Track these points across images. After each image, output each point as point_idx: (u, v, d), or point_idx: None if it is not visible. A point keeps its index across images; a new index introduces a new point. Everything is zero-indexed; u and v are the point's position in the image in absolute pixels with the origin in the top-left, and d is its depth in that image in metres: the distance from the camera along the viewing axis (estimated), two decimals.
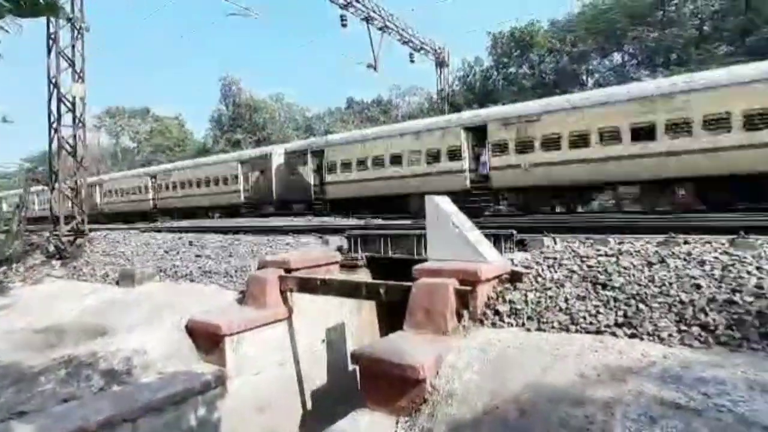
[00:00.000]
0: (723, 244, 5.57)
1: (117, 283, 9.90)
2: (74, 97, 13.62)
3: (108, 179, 33.63)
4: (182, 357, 6.63)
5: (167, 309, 7.54)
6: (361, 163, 18.41)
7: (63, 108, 13.61)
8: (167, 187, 28.03)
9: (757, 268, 4.72)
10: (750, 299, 4.26)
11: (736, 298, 4.33)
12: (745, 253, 5.12)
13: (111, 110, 58.05)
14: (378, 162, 17.92)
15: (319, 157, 19.92)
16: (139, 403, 5.31)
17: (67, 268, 12.18)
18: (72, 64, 13.57)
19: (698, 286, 4.63)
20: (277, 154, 21.76)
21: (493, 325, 5.18)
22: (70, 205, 14.00)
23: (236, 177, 23.21)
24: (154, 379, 6.03)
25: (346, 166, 18.89)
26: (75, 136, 13.86)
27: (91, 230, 14.84)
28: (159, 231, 15.42)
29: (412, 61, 27.83)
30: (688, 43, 28.71)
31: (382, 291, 6.27)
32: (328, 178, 19.45)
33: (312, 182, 20.15)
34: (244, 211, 22.72)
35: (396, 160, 17.43)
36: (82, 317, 7.97)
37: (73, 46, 13.63)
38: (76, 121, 13.77)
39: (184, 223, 19.30)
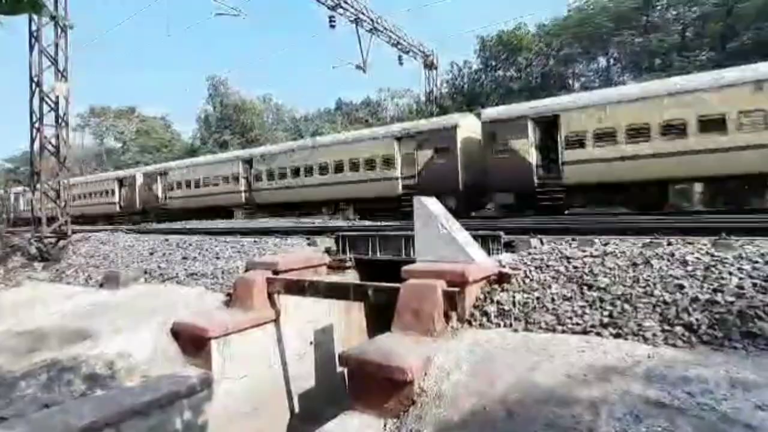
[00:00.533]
0: (705, 245, 5.68)
1: (101, 285, 9.73)
2: (57, 96, 13.38)
3: (176, 166, 27.39)
4: (168, 360, 6.53)
5: (152, 312, 7.42)
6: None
7: (45, 107, 13.36)
8: (271, 176, 21.53)
9: (738, 269, 4.82)
10: (731, 299, 4.34)
11: (718, 298, 4.41)
12: (727, 253, 5.22)
13: (95, 109, 57.15)
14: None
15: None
16: (122, 408, 5.20)
17: (50, 271, 11.94)
18: (55, 63, 13.33)
19: (681, 287, 4.71)
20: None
21: (481, 326, 5.20)
22: (54, 205, 13.73)
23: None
24: (139, 383, 5.93)
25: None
26: (58, 136, 13.61)
27: (74, 232, 14.58)
28: (144, 233, 15.20)
29: (401, 63, 27.92)
30: (671, 48, 29.24)
31: (370, 292, 6.26)
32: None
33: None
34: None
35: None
36: (64, 321, 7.80)
37: (56, 44, 13.40)
38: (59, 120, 13.53)
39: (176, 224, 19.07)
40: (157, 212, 25.72)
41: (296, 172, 20.39)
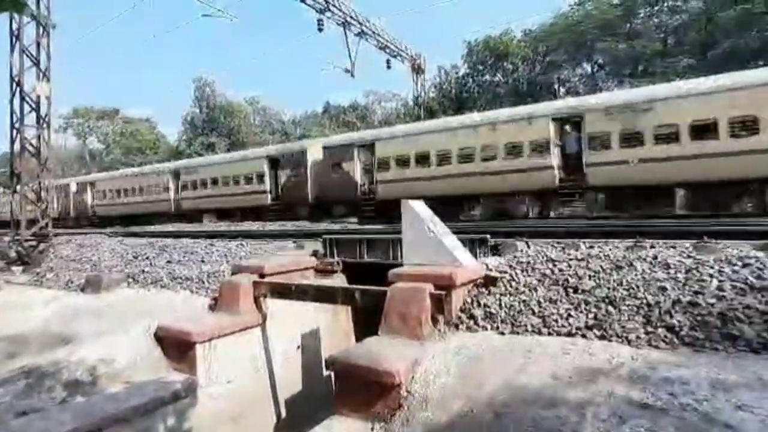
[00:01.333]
0: (687, 248, 5.78)
1: (82, 289, 9.55)
2: (38, 96, 13.12)
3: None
4: (151, 366, 6.42)
5: (135, 316, 7.30)
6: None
7: (26, 107, 13.10)
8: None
9: (719, 271, 4.91)
10: (712, 301, 4.43)
11: (699, 300, 4.49)
12: (708, 256, 5.33)
13: (79, 110, 56.19)
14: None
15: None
16: (104, 414, 5.09)
17: (30, 274, 11.67)
18: (36, 63, 13.08)
19: (664, 289, 4.79)
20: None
21: (469, 329, 5.22)
22: (35, 208, 13.43)
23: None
24: (121, 389, 5.81)
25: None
26: (39, 137, 13.34)
27: (55, 235, 14.28)
28: (128, 236, 14.96)
29: (389, 67, 28.02)
30: (653, 55, 29.87)
31: (357, 296, 6.24)
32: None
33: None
34: None
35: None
36: (44, 325, 7.63)
37: (38, 44, 13.15)
38: (40, 121, 13.27)
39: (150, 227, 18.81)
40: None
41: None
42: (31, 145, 13.26)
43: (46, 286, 10.63)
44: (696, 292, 4.62)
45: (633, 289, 4.93)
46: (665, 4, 30.33)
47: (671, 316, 4.39)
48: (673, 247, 5.88)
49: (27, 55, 12.98)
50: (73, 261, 12.03)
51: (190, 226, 19.02)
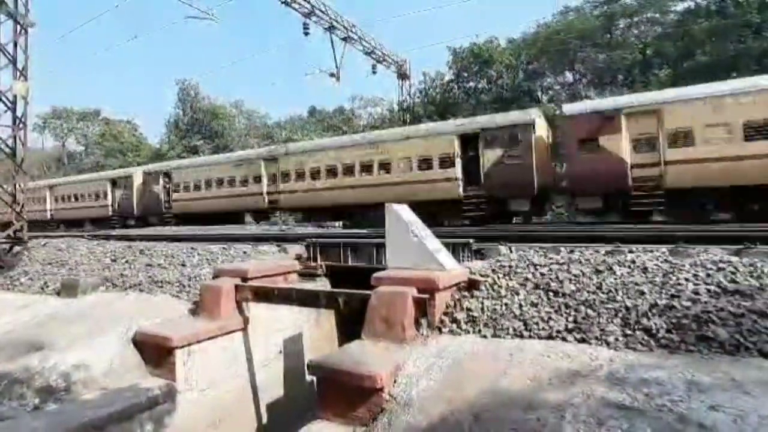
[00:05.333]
0: (664, 252, 5.91)
1: (58, 293, 9.30)
2: (15, 96, 12.79)
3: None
4: (129, 371, 6.28)
5: (112, 320, 7.13)
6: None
7: (2, 107, 12.74)
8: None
9: (694, 275, 5.04)
10: (688, 304, 4.54)
11: (676, 303, 4.59)
12: (683, 261, 5.46)
13: (58, 111, 54.96)
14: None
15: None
16: (78, 422, 4.96)
17: (3, 278, 11.32)
18: (13, 61, 12.76)
19: (642, 293, 4.89)
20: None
21: (451, 332, 5.24)
22: (9, 210, 13.05)
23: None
24: (97, 396, 5.67)
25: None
26: (15, 138, 12.99)
27: (31, 238, 13.90)
28: (107, 238, 14.65)
29: (374, 72, 28.10)
30: (633, 65, 30.60)
31: (340, 300, 6.21)
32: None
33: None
34: None
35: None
36: (16, 330, 7.41)
37: (15, 43, 12.84)
38: (16, 121, 12.93)
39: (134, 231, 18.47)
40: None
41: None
42: (7, 145, 12.92)
43: (20, 290, 10.32)
44: (672, 296, 4.73)
45: (612, 292, 5.02)
46: (644, 16, 31.13)
47: (648, 319, 4.48)
48: (651, 252, 6.01)
49: (3, 54, 12.66)
50: (49, 264, 11.71)
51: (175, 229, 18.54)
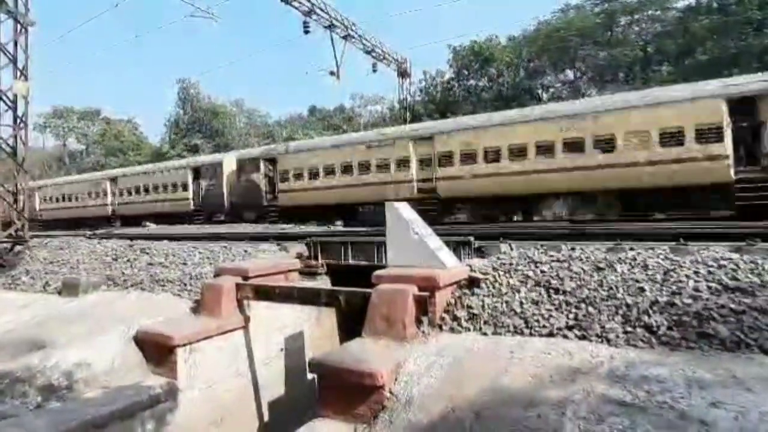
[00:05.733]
0: (665, 250, 5.90)
1: (59, 292, 9.31)
2: (15, 95, 12.80)
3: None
4: (130, 370, 6.29)
5: (114, 319, 7.15)
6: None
7: (2, 106, 12.76)
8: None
9: (695, 272, 5.03)
10: (688, 301, 4.53)
11: (676, 300, 4.59)
12: (684, 258, 5.45)
13: (59, 110, 54.98)
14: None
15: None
16: (80, 420, 4.97)
17: (4, 278, 11.34)
18: (14, 61, 12.77)
19: (642, 290, 4.88)
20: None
21: (452, 330, 5.24)
22: (11, 209, 13.08)
23: None
24: (98, 394, 5.68)
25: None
26: (16, 137, 13.01)
27: (32, 237, 13.93)
28: (108, 238, 14.67)
29: (375, 71, 28.05)
30: (634, 62, 30.54)
31: (341, 298, 6.21)
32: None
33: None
34: None
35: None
36: (18, 330, 7.42)
37: (16, 42, 12.84)
38: (17, 120, 12.94)
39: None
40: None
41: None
42: (8, 145, 12.93)
43: (22, 289, 10.35)
44: (673, 293, 4.72)
45: (613, 289, 5.02)
46: (645, 13, 31.06)
47: (649, 316, 4.48)
48: (652, 249, 6.00)
49: (4, 53, 12.66)
50: (50, 263, 11.73)
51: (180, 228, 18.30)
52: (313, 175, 18.93)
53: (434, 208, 15.60)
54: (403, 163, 16.71)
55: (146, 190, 25.46)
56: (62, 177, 37.22)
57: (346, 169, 18.10)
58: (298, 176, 19.40)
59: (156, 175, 25.45)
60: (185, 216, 23.25)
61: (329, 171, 18.50)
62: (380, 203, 8.19)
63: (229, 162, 22.25)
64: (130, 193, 26.39)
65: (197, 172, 23.51)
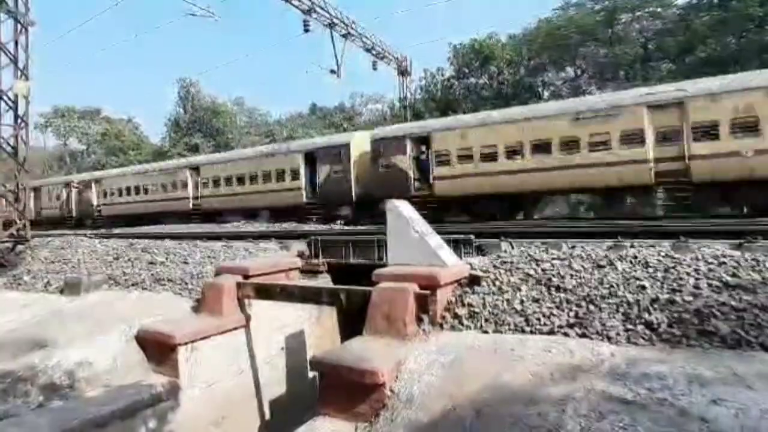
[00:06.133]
0: (665, 247, 5.90)
1: (61, 292, 9.33)
2: (16, 95, 12.81)
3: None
4: (131, 369, 6.31)
5: (115, 318, 7.16)
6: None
7: (3, 106, 12.77)
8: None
9: (695, 270, 5.02)
10: (689, 299, 4.53)
11: (677, 297, 4.59)
12: (685, 255, 5.44)
13: (60, 110, 54.98)
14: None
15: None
16: (82, 419, 4.99)
17: (6, 277, 11.36)
18: (14, 61, 12.77)
19: (643, 287, 4.88)
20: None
21: (453, 328, 5.25)
22: (12, 209, 13.10)
23: None
24: (100, 393, 5.71)
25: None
26: (17, 137, 13.02)
27: (33, 236, 13.94)
28: (109, 237, 14.70)
29: (375, 69, 28.02)
30: (635, 59, 30.44)
31: (342, 296, 6.22)
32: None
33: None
34: None
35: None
36: (20, 329, 7.43)
37: (16, 42, 12.84)
38: (18, 120, 12.95)
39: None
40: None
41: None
42: (9, 144, 12.95)
43: (23, 288, 10.36)
44: (674, 290, 4.72)
45: (613, 287, 5.02)
46: (646, 10, 30.95)
47: (650, 314, 4.48)
48: (652, 247, 5.99)
49: (4, 53, 12.67)
50: (52, 263, 11.75)
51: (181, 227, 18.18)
52: (487, 157, 14.88)
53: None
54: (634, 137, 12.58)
55: (239, 181, 20.85)
56: (129, 167, 32.12)
57: (511, 151, 14.40)
58: (464, 158, 15.36)
59: (253, 161, 20.75)
60: (296, 210, 18.59)
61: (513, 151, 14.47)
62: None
63: (358, 143, 18.10)
64: (217, 185, 21.67)
65: (311, 157, 19.01)
